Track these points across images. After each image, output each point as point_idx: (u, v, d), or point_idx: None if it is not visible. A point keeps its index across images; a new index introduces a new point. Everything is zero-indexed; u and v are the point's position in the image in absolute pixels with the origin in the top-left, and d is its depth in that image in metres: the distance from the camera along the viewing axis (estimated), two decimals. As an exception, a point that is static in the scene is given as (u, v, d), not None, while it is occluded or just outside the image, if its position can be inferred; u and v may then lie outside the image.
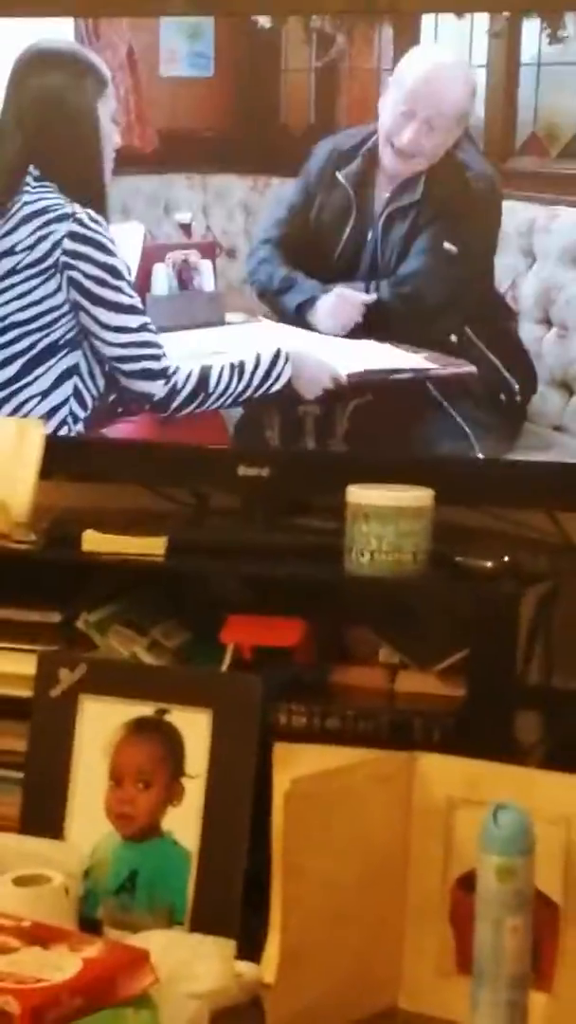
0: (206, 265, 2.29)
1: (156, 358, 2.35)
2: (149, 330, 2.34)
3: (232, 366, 2.32)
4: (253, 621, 2.21)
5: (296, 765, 1.97)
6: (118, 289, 2.35)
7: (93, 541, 2.27)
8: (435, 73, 2.23)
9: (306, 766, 1.96)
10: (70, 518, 2.36)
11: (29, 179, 2.37)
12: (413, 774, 1.98)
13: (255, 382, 2.29)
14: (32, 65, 2.35)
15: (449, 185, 2.25)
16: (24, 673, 2.20)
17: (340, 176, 2.26)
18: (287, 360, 2.28)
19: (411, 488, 2.18)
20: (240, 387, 2.31)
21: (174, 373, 2.33)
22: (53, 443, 2.38)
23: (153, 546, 2.25)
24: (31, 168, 2.36)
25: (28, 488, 2.34)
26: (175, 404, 2.35)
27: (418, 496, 2.16)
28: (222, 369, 2.32)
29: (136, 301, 2.34)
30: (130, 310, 2.35)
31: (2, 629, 2.28)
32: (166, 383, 2.34)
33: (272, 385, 2.28)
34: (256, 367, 2.29)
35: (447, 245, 2.29)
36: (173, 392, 2.34)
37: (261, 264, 2.31)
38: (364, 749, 2.03)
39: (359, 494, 2.17)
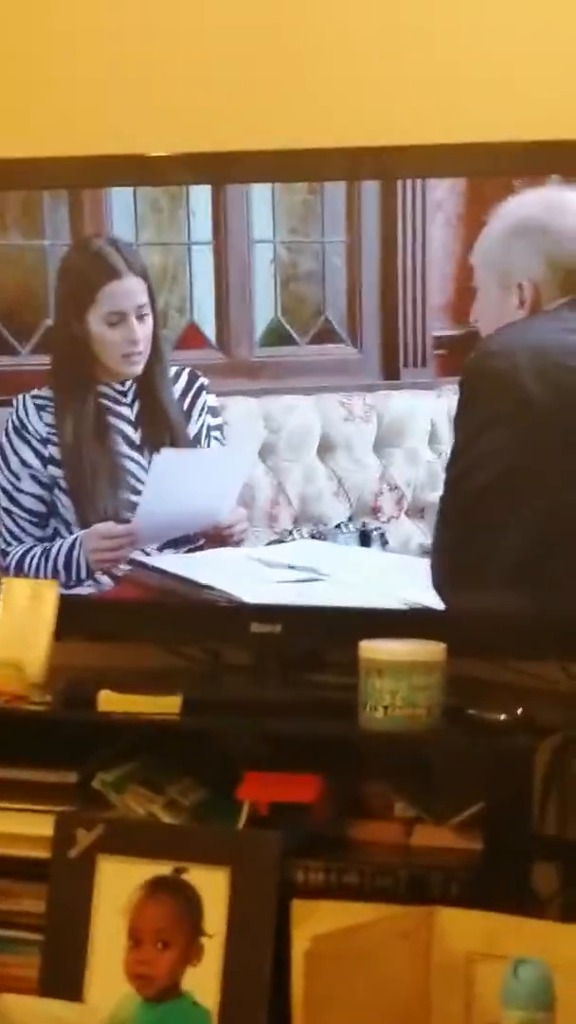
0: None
1: None
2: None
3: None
4: (269, 778, 2.22)
5: (315, 922, 1.98)
6: None
7: (108, 701, 2.28)
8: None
9: (325, 923, 1.96)
10: (85, 678, 2.37)
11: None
12: (432, 929, 1.98)
13: None
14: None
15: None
16: (42, 834, 2.21)
17: None
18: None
19: (424, 642, 2.20)
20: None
21: None
22: (67, 603, 2.41)
23: (168, 705, 2.27)
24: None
25: (43, 649, 2.36)
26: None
27: (431, 650, 2.18)
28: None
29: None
30: None
31: (19, 790, 2.29)
32: None
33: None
34: None
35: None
36: None
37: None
38: (382, 905, 2.04)
39: (372, 649, 2.19)
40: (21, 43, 2.73)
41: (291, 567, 2.41)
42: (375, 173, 2.40)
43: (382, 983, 1.95)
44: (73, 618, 2.42)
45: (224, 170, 2.47)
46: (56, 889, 2.18)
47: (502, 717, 2.17)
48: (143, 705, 2.28)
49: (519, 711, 2.17)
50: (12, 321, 2.33)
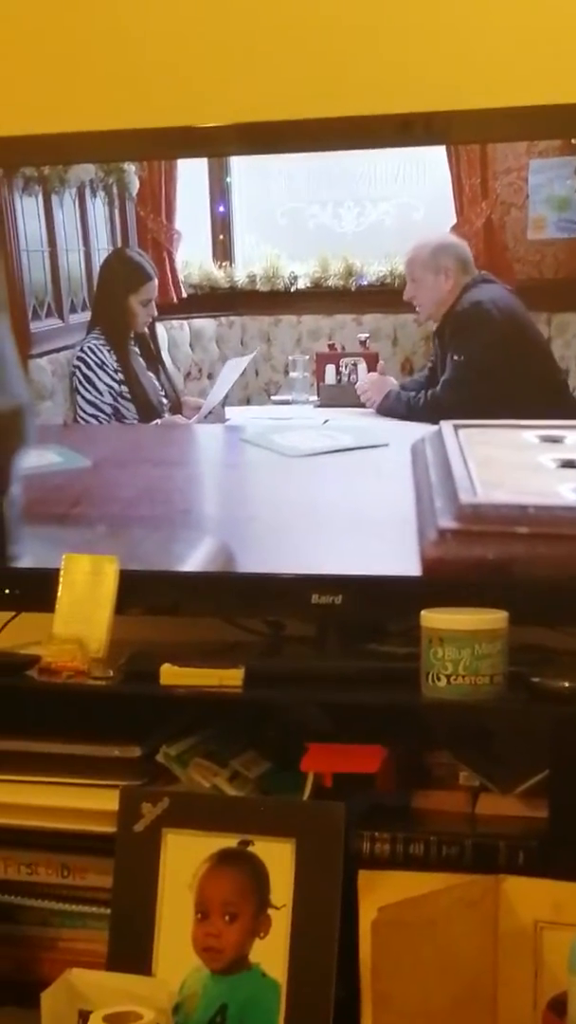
0: (363, 368, 2.55)
1: None
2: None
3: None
4: (333, 749, 2.22)
5: (381, 892, 1.98)
6: None
7: (171, 675, 2.29)
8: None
9: (391, 893, 1.96)
10: (147, 652, 2.38)
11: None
12: (499, 898, 1.98)
13: None
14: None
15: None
16: (107, 809, 2.21)
17: None
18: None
19: (485, 611, 2.19)
20: None
21: None
22: (127, 578, 2.41)
23: (230, 677, 2.27)
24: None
25: (104, 624, 2.37)
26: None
27: (493, 618, 2.17)
28: None
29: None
30: None
31: (84, 765, 2.29)
32: None
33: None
34: None
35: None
36: None
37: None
38: (449, 874, 2.04)
39: (433, 618, 2.18)
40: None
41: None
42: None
43: (449, 953, 1.95)
44: (134, 592, 2.43)
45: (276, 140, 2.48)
46: (122, 863, 2.18)
47: (566, 684, 2.15)
48: (205, 678, 2.28)
49: (583, 678, 2.17)
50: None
